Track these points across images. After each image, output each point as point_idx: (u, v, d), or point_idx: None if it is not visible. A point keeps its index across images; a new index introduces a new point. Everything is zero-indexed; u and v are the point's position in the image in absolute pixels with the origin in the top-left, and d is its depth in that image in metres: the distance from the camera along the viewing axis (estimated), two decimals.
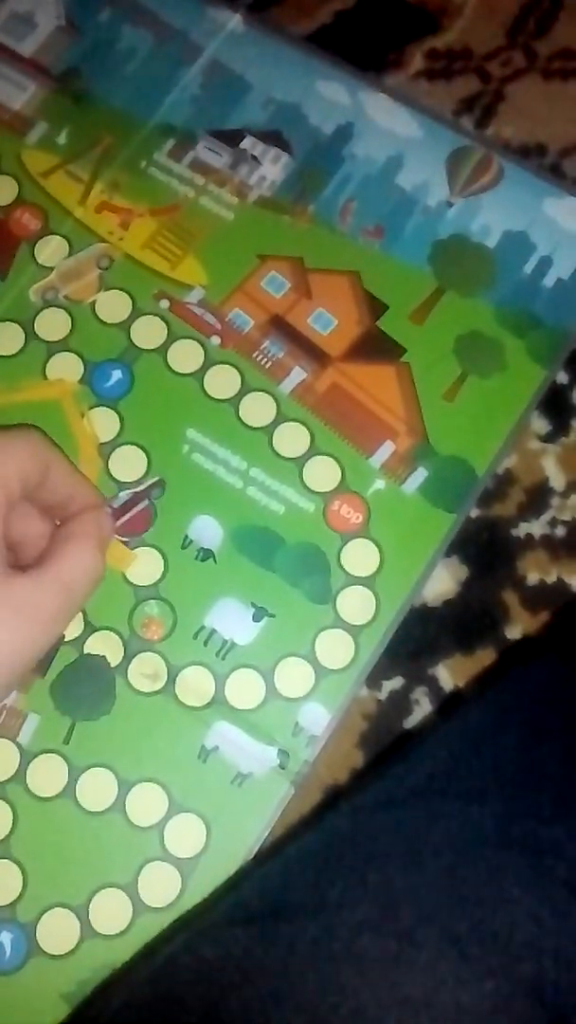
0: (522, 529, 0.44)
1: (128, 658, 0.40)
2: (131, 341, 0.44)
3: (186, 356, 0.44)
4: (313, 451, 0.43)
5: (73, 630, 0.41)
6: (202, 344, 0.44)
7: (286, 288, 0.45)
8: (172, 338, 0.44)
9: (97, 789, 0.39)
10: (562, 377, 0.45)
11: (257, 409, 0.43)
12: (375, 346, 0.44)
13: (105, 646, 0.41)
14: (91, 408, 0.43)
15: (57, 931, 0.38)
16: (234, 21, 0.49)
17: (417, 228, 0.46)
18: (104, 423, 0.43)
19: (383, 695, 0.42)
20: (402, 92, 0.48)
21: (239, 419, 0.43)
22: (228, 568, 0.41)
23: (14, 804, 0.39)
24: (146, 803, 0.39)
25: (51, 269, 0.45)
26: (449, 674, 0.42)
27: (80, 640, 0.41)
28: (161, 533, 0.42)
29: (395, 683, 0.42)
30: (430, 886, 0.30)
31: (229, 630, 0.41)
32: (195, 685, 0.40)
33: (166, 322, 0.45)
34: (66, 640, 0.41)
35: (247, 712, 0.40)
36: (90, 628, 0.41)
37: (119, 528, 0.42)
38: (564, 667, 0.37)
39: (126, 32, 0.49)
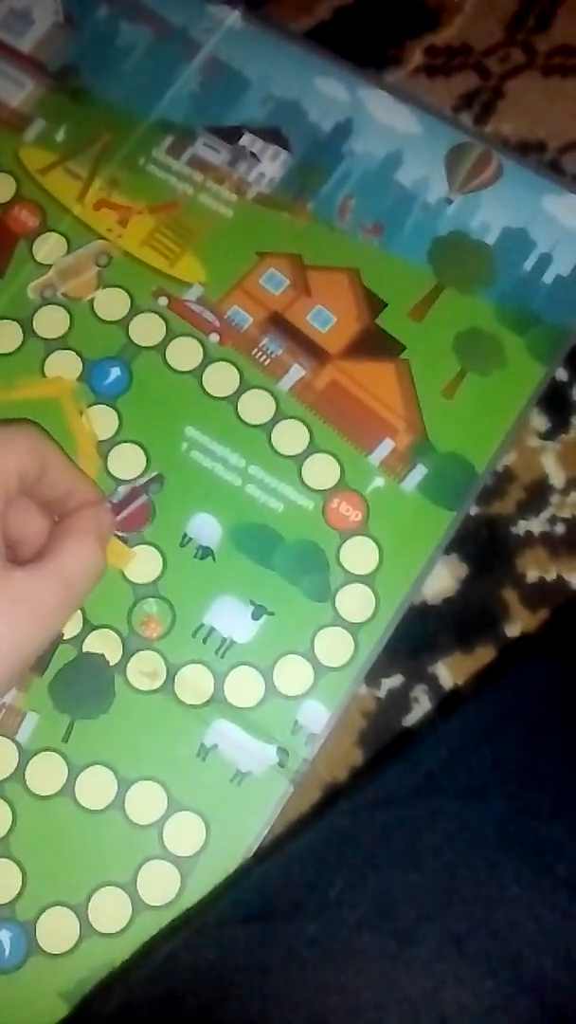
0: (522, 526, 0.44)
1: (127, 656, 0.40)
2: (130, 338, 0.44)
3: (185, 353, 0.44)
4: (312, 449, 0.43)
5: (72, 628, 0.41)
6: (201, 342, 0.44)
7: (285, 285, 0.45)
8: (171, 335, 0.44)
9: (96, 787, 0.39)
10: (561, 374, 0.45)
11: (256, 406, 0.43)
12: (374, 343, 0.44)
13: (104, 644, 0.41)
14: (90, 406, 0.43)
15: (56, 930, 0.38)
16: (233, 18, 0.49)
17: (416, 225, 0.46)
18: (103, 421, 0.43)
19: (382, 693, 0.42)
20: (401, 89, 0.48)
21: (238, 416, 0.43)
22: (227, 566, 0.41)
23: (13, 803, 0.39)
24: (145, 801, 0.39)
25: (49, 266, 0.45)
26: (449, 672, 0.42)
27: (79, 638, 0.41)
28: (160, 531, 0.42)
29: (394, 681, 0.42)
30: (430, 885, 0.30)
31: (228, 628, 0.41)
32: (194, 683, 0.40)
33: (165, 319, 0.44)
34: (65, 638, 0.40)
35: (246, 710, 0.40)
36: (89, 626, 0.41)
37: (118, 523, 0.42)
38: (564, 665, 0.37)
39: (124, 28, 0.49)
